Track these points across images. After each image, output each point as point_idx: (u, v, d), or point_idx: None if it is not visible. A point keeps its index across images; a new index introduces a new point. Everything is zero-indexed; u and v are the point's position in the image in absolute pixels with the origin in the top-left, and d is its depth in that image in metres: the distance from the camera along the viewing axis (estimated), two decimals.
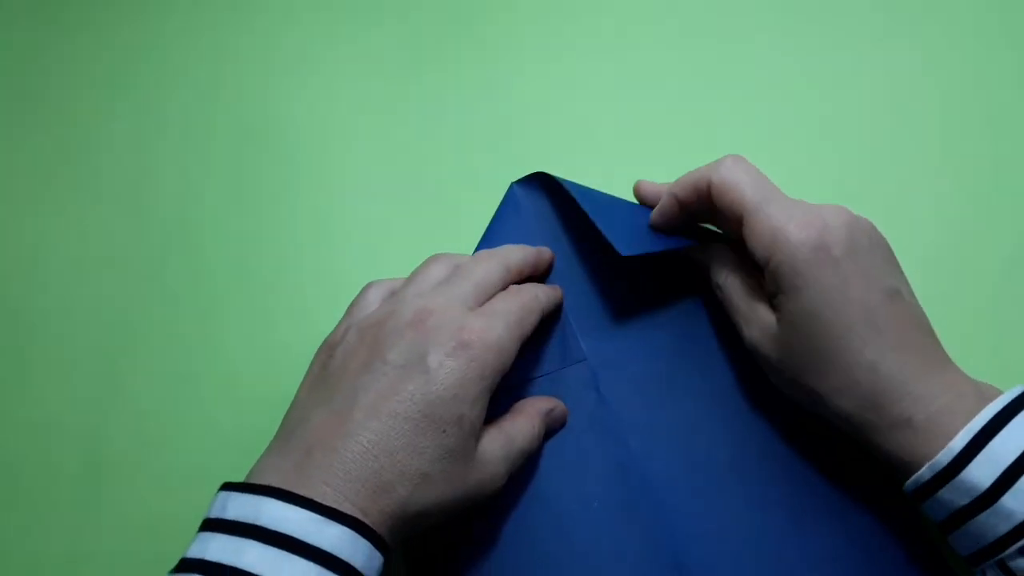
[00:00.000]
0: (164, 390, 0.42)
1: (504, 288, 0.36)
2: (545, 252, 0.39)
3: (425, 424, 0.30)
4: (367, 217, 0.45)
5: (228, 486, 0.30)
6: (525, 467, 0.37)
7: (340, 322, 0.36)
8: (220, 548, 0.28)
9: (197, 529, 0.29)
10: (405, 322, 0.32)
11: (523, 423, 0.35)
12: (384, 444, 0.30)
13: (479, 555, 0.36)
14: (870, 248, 0.33)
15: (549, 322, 0.39)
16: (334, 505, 0.28)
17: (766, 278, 0.33)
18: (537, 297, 0.36)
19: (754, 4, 0.47)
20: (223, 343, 0.43)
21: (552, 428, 0.37)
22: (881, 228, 0.34)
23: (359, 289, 0.37)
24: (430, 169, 0.46)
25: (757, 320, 0.34)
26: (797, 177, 0.42)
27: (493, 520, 0.36)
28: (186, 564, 0.28)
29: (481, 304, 0.34)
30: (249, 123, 0.48)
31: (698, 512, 0.36)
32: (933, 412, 0.30)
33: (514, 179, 0.42)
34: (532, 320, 0.35)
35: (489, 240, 0.40)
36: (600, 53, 0.47)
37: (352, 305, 0.36)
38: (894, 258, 0.34)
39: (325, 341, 0.35)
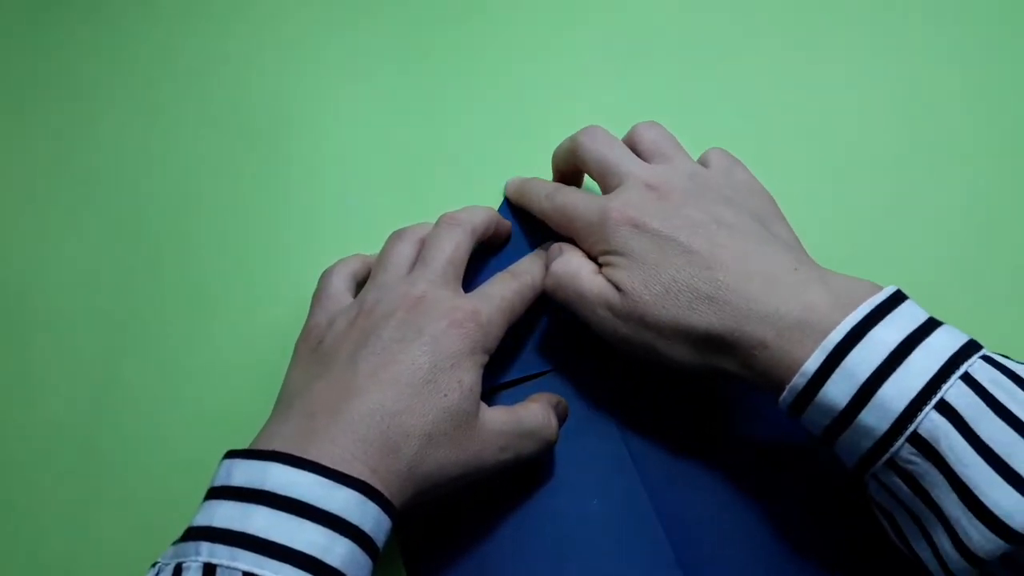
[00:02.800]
0: (163, 388, 0.42)
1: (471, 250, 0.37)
2: (504, 221, 0.40)
3: (426, 389, 0.31)
4: (361, 212, 0.45)
5: (232, 453, 0.30)
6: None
7: (313, 312, 0.36)
8: (227, 514, 0.28)
9: (202, 499, 0.29)
10: (396, 307, 0.33)
11: (533, 407, 0.35)
12: (387, 407, 0.30)
13: (478, 552, 0.36)
14: (697, 194, 0.34)
15: (550, 320, 0.39)
16: (342, 466, 0.28)
17: (600, 261, 0.34)
18: (533, 286, 0.36)
19: (757, 8, 0.47)
20: (221, 339, 0.43)
21: (559, 421, 0.37)
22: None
23: None
24: (427, 165, 0.46)
25: (600, 297, 0.33)
26: (793, 178, 0.42)
27: (492, 517, 0.36)
28: (192, 532, 0.28)
29: (459, 276, 0.35)
30: (244, 118, 0.48)
31: (698, 510, 0.36)
32: (784, 329, 0.29)
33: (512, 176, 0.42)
34: (523, 307, 0.36)
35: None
36: (600, 45, 0.47)
37: (320, 295, 0.37)
38: (735, 192, 0.35)
39: (306, 331, 0.35)
